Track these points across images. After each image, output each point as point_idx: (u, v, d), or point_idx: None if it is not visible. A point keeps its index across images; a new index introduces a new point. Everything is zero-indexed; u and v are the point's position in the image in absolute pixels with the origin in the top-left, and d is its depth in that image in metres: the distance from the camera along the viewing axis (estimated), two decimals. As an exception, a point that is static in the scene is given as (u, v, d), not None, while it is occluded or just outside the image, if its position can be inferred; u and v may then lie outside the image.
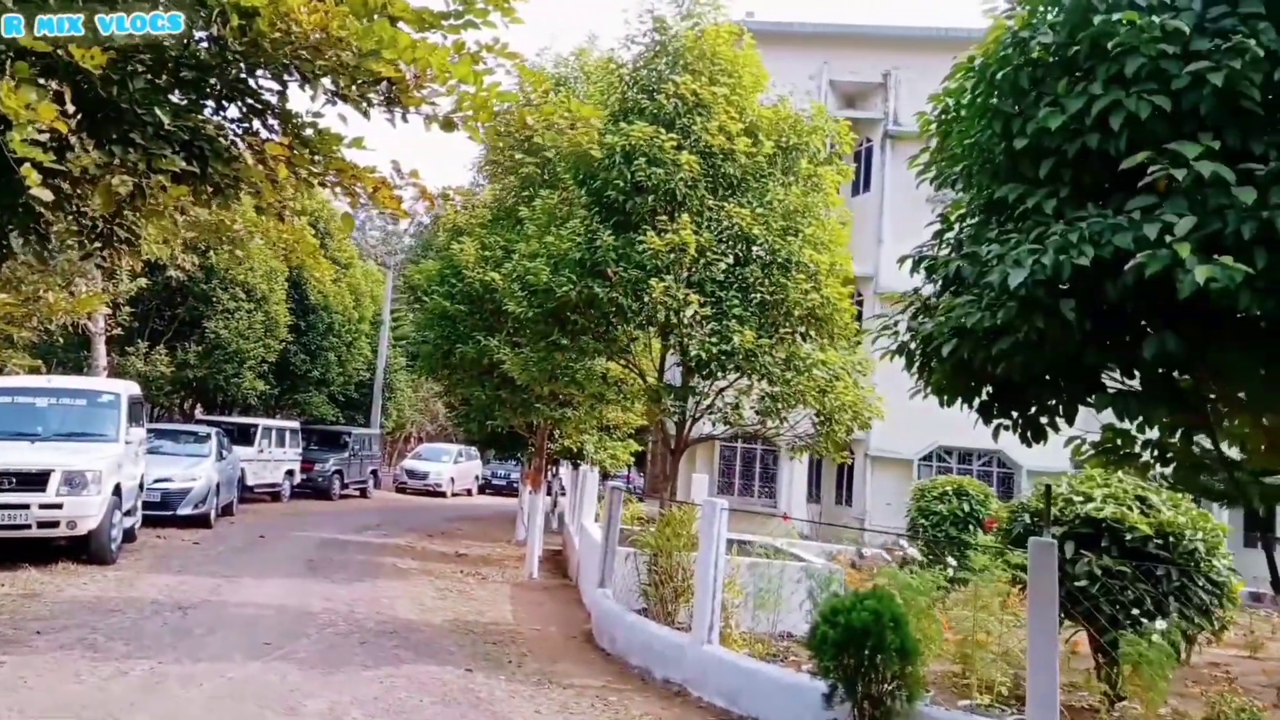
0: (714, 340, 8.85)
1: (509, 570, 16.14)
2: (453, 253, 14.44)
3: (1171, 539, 9.13)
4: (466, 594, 13.12)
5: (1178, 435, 5.56)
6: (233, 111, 5.60)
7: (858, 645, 6.75)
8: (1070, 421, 5.45)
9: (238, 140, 5.33)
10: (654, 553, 10.09)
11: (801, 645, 9.35)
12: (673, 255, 9.07)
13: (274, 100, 5.54)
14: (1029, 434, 6.00)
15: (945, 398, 5.98)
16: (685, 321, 9.35)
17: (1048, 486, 7.91)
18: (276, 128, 5.52)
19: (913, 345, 5.65)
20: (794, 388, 9.12)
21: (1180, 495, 10.11)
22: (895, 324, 5.86)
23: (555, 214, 10.43)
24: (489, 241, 14.45)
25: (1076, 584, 7.85)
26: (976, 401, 5.95)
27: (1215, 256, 3.89)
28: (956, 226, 5.67)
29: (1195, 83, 4.22)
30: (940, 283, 5.59)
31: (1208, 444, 6.20)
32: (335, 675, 7.48)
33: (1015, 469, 23.79)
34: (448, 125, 5.13)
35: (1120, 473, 10.37)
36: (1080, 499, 9.58)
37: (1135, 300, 4.37)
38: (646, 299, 9.03)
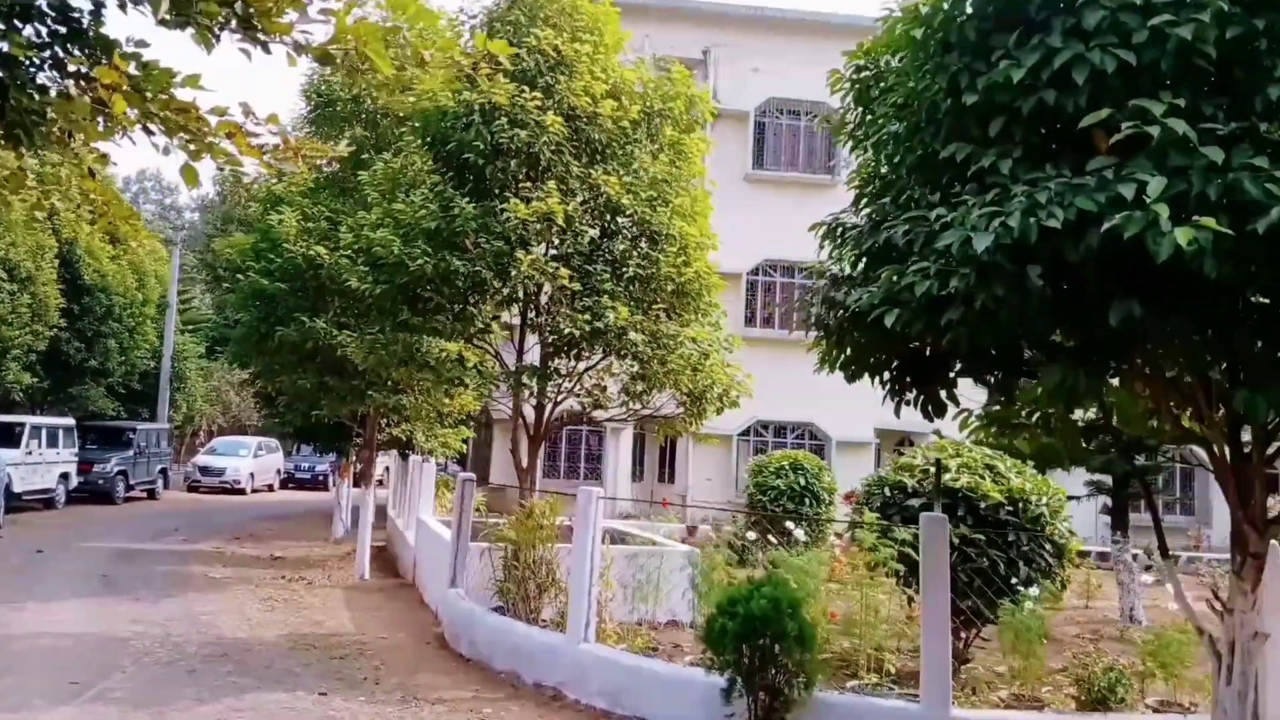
0: (586, 318, 8.32)
1: (335, 572, 15.04)
2: (270, 224, 13.11)
3: (1021, 505, 9.51)
4: (296, 603, 12.05)
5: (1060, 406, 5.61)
6: (28, 34, 4.54)
7: (757, 635, 6.50)
8: (1007, 394, 5.33)
9: (45, 65, 4.30)
10: (514, 546, 9.51)
11: (679, 634, 9.08)
12: (539, 225, 8.46)
13: (86, 21, 4.56)
14: (929, 409, 5.90)
15: (852, 372, 5.73)
16: (553, 297, 8.77)
17: (938, 461, 7.97)
18: (88, 57, 4.51)
19: (830, 320, 5.35)
20: (667, 366, 8.74)
21: (1025, 463, 10.61)
22: (809, 298, 5.56)
23: (400, 180, 9.56)
24: (313, 212, 13.23)
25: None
26: (884, 376, 5.79)
27: (1193, 219, 3.76)
28: (878, 194, 5.39)
29: (1156, 38, 4.09)
30: (862, 253, 5.29)
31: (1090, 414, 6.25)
32: (168, 716, 6.46)
33: (826, 441, 24.96)
34: (324, 57, 4.34)
35: (969, 443, 10.74)
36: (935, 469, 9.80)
37: (1096, 266, 4.22)
38: (513, 272, 8.39)
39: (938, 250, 4.38)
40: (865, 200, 5.52)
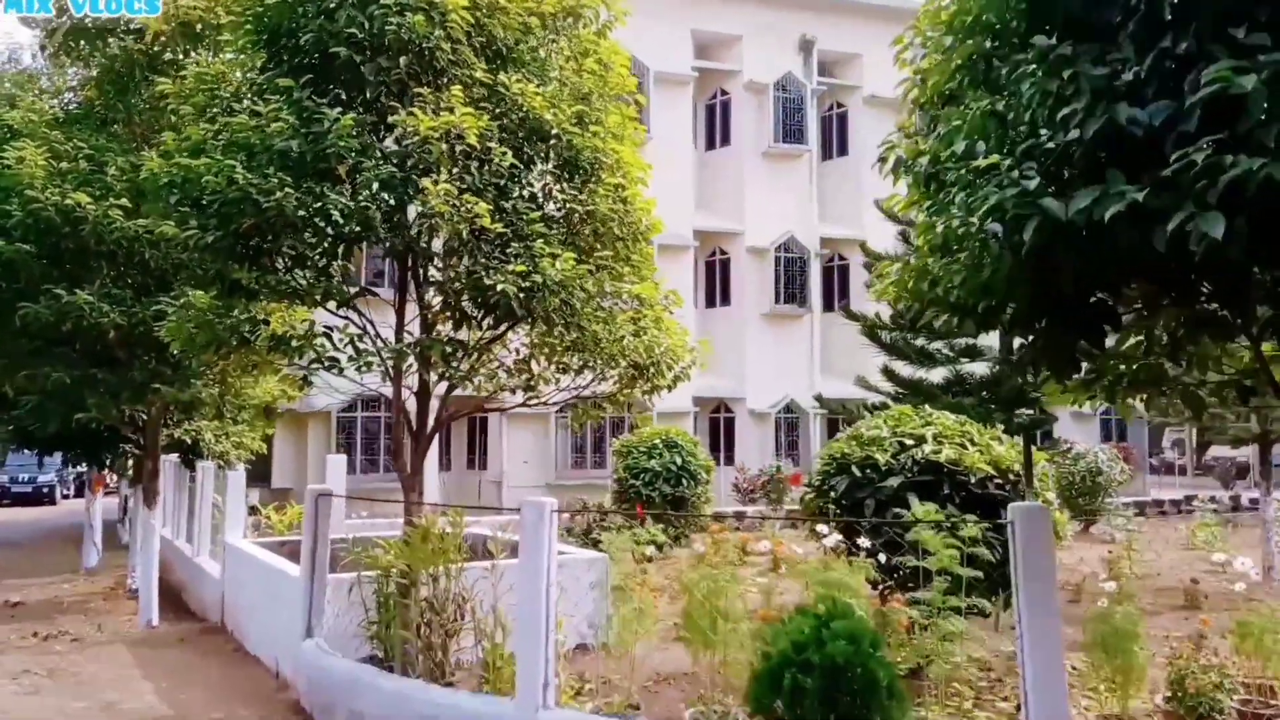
0: (522, 269, 6.35)
1: (106, 618, 12.07)
2: (2, 165, 9.88)
3: (1012, 476, 8.54)
4: (68, 674, 9.30)
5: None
6: None
7: (842, 690, 4.95)
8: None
9: None
10: (401, 578, 7.44)
11: (597, 664, 7.26)
12: (444, 147, 6.35)
13: None
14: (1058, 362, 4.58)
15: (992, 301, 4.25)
16: (459, 244, 6.69)
17: (1028, 436, 6.71)
18: None
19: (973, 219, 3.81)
20: (615, 333, 6.93)
21: (996, 428, 9.69)
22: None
23: (219, 88, 7.06)
24: (66, 149, 10.12)
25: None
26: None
27: None
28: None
29: None
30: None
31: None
32: None
33: (645, 409, 24.30)
34: None
35: (918, 408, 9.70)
36: (912, 441, 8.65)
37: None
38: (414, 209, 6.26)
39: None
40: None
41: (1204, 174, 2.92)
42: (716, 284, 26.23)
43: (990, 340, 14.11)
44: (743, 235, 25.67)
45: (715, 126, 26.74)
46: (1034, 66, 3.60)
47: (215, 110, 7.00)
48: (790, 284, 26.00)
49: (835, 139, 27.54)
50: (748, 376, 25.37)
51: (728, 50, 26.18)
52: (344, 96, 6.84)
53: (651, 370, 7.40)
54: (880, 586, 6.52)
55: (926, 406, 9.35)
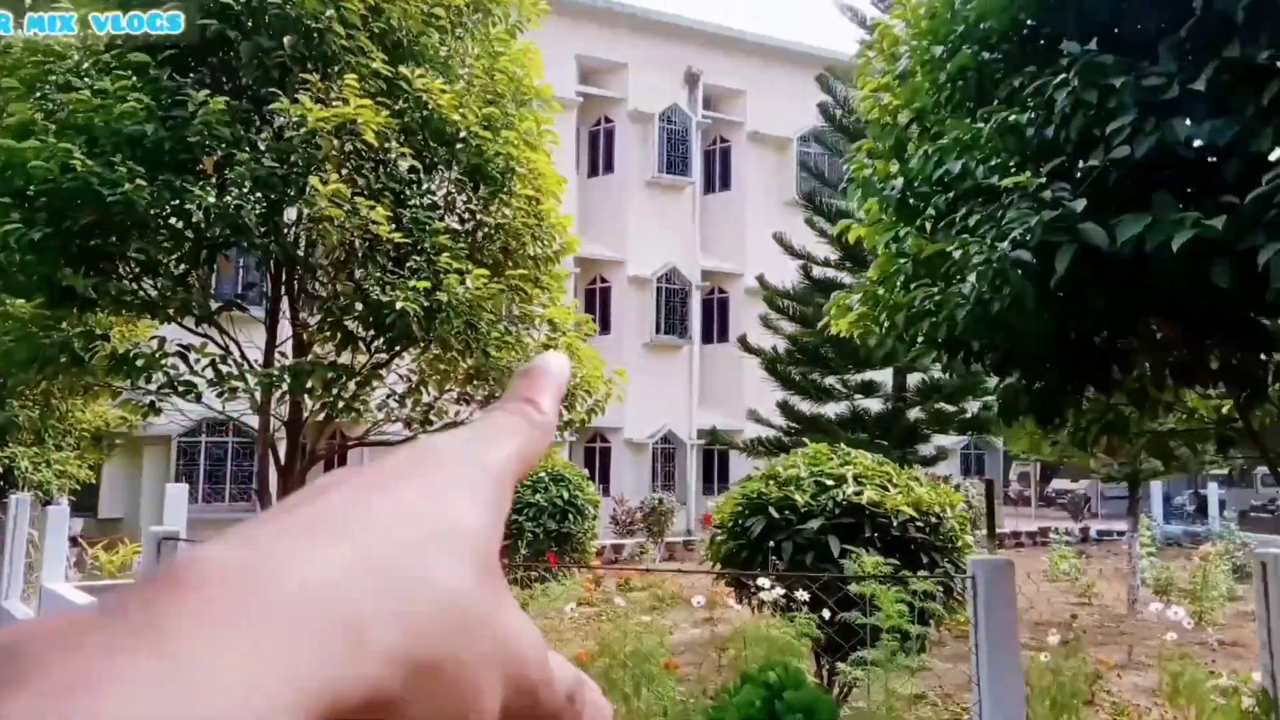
0: (424, 285, 5.51)
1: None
2: None
3: (933, 519, 8.14)
4: None
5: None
6: None
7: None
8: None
9: None
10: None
11: None
12: (337, 142, 5.47)
13: None
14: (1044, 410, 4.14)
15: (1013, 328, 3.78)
16: (346, 255, 5.80)
17: (989, 482, 6.21)
18: None
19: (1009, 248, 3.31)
20: (528, 359, 6.15)
21: (912, 467, 9.29)
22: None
23: (53, 62, 5.95)
24: None
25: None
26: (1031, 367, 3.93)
27: None
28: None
29: None
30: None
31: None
32: None
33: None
34: None
35: (837, 446, 9.25)
36: (832, 482, 8.15)
37: None
38: (307, 210, 5.35)
39: None
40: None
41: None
42: (597, 312, 25.60)
43: (884, 376, 13.96)
44: (625, 264, 25.16)
45: (599, 153, 26.21)
46: (1063, 76, 3.11)
47: (49, 87, 5.89)
48: (671, 315, 25.60)
49: (718, 172, 27.42)
50: (626, 406, 24.72)
51: (613, 78, 25.74)
52: (212, 79, 5.86)
53: (566, 401, 6.65)
54: (820, 645, 5.93)
55: (842, 445, 8.88)
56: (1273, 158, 2.69)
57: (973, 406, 13.61)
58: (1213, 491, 25.81)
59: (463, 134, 6.17)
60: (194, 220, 5.29)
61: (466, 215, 6.44)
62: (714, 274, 26.12)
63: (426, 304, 5.48)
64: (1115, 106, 2.96)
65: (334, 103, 5.51)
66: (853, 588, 5.71)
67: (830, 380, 14.23)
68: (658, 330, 25.17)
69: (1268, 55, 2.71)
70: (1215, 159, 2.84)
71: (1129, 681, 8.26)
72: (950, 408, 13.69)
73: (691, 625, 10.41)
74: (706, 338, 26.21)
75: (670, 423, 25.02)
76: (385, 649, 0.24)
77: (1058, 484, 37.30)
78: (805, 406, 14.55)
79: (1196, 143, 3.03)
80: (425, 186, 6.30)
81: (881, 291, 4.43)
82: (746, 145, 26.63)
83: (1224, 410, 4.51)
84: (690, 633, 10.10)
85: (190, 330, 6.31)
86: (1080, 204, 2.90)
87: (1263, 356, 3.89)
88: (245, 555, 0.25)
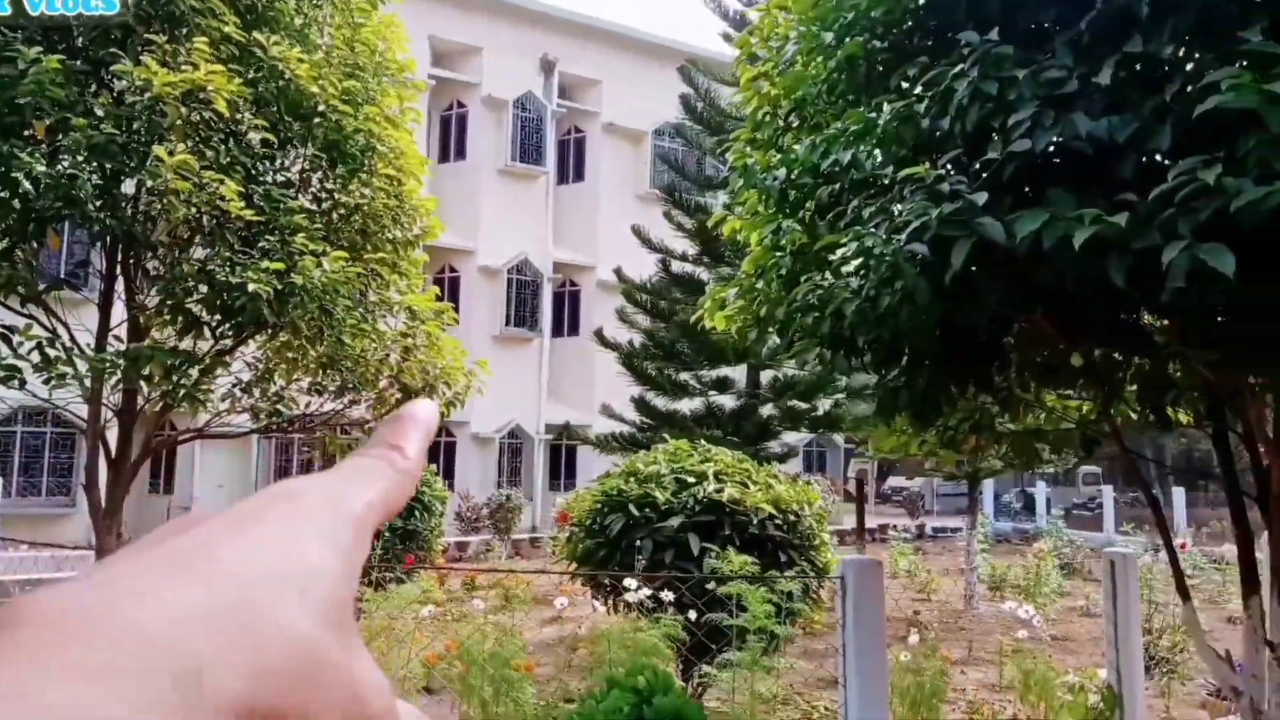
0: (277, 266, 5.19)
1: None
2: None
3: (791, 517, 8.32)
4: None
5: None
6: None
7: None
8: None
9: None
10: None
11: None
12: (184, 110, 5.07)
13: None
14: (924, 408, 4.27)
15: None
16: (191, 232, 5.40)
17: (859, 481, 6.28)
18: None
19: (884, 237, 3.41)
20: (381, 350, 5.92)
21: (769, 464, 9.44)
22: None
23: None
24: None
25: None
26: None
27: None
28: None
29: None
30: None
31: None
32: None
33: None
34: None
35: (699, 444, 9.33)
36: (693, 479, 8.21)
37: None
38: (150, 182, 4.91)
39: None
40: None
41: (1188, 199, 2.57)
42: (445, 302, 25.09)
43: (738, 373, 14.20)
44: (475, 254, 24.72)
45: (451, 139, 25.65)
46: (961, 67, 3.17)
47: None
48: (521, 307, 25.34)
49: (572, 163, 27.31)
50: (473, 400, 24.40)
51: (467, 62, 25.23)
52: (44, 36, 5.33)
53: (424, 394, 6.40)
54: (685, 647, 5.92)
55: (703, 441, 8.95)
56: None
57: (824, 404, 14.08)
58: (1040, 490, 27.65)
59: (321, 107, 5.84)
60: (21, 190, 4.79)
61: (323, 194, 6.11)
62: (566, 266, 26.03)
63: (279, 287, 5.16)
64: (1015, 99, 3.02)
65: (182, 67, 5.11)
66: (719, 588, 5.74)
67: (686, 376, 14.39)
68: (507, 322, 24.88)
69: (1171, 51, 2.81)
70: (1112, 156, 2.93)
71: (972, 677, 8.67)
72: (803, 405, 14.08)
73: (542, 625, 10.31)
74: (557, 331, 26.09)
75: (518, 417, 24.79)
76: (227, 699, 0.23)
77: (894, 482, 39.13)
78: (660, 402, 14.66)
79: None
80: (280, 162, 5.95)
81: (760, 285, 4.44)
82: (602, 136, 26.63)
83: (1084, 410, 4.74)
84: (543, 633, 9.99)
85: (14, 310, 5.75)
86: (981, 197, 2.95)
87: (1117, 356, 4.11)
88: (90, 597, 0.24)
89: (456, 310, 26.21)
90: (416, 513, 14.00)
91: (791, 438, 16.44)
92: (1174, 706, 7.57)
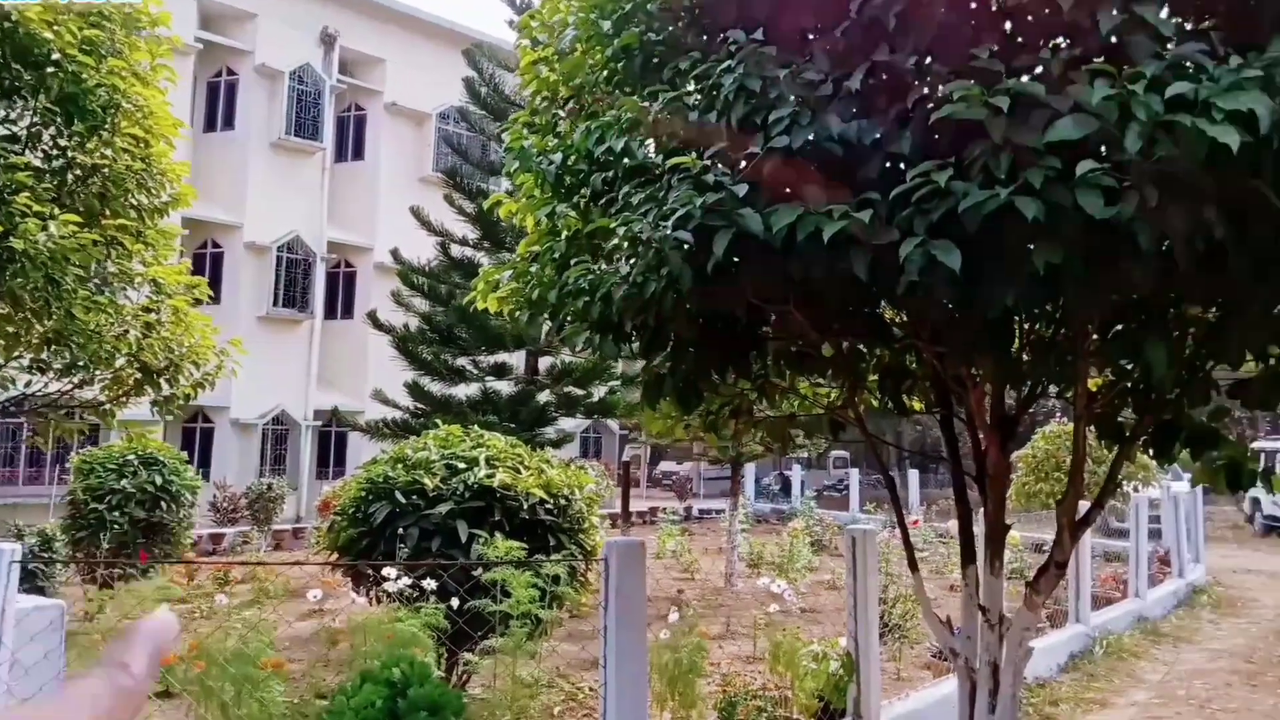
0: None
1: None
2: None
3: (563, 501, 8.36)
4: None
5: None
6: None
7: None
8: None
9: None
10: None
11: None
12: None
13: None
14: (686, 394, 4.43)
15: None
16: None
17: (627, 465, 6.23)
18: None
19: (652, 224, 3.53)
20: (118, 326, 5.46)
21: (543, 450, 9.41)
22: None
23: None
24: None
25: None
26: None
27: None
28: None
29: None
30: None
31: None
32: None
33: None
34: None
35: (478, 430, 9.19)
36: (464, 465, 8.08)
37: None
38: None
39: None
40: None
41: (923, 200, 2.77)
42: (206, 278, 23.45)
43: (516, 359, 14.12)
44: (241, 229, 23.27)
45: (218, 107, 23.98)
46: (728, 63, 3.27)
47: None
48: (291, 286, 24.08)
49: (351, 141, 26.23)
50: (234, 383, 22.98)
51: (239, 27, 23.67)
52: None
53: (168, 374, 5.94)
54: (447, 636, 5.79)
55: (475, 427, 8.82)
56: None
57: (600, 391, 14.28)
58: (796, 473, 29.33)
59: (56, 56, 5.28)
60: None
61: (55, 152, 5.52)
62: (341, 246, 25.01)
63: None
64: (776, 97, 3.15)
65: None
66: (484, 574, 5.67)
67: (463, 361, 14.17)
68: (275, 302, 23.60)
69: (913, 62, 3.01)
70: (861, 156, 3.11)
71: (729, 651, 9.06)
72: (579, 391, 14.21)
73: (299, 619, 9.85)
74: (330, 313, 25.04)
75: (284, 402, 23.61)
76: None
77: (665, 466, 40.39)
78: (436, 388, 14.36)
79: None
80: (4, 114, 5.32)
81: (535, 268, 4.42)
82: (383, 116, 25.76)
83: (832, 398, 5.04)
84: (299, 627, 9.54)
85: None
86: (743, 189, 3.05)
87: (862, 348, 4.38)
88: None
89: (218, 288, 24.72)
90: (163, 503, 13.01)
91: (569, 423, 16.57)
92: (903, 668, 8.25)
